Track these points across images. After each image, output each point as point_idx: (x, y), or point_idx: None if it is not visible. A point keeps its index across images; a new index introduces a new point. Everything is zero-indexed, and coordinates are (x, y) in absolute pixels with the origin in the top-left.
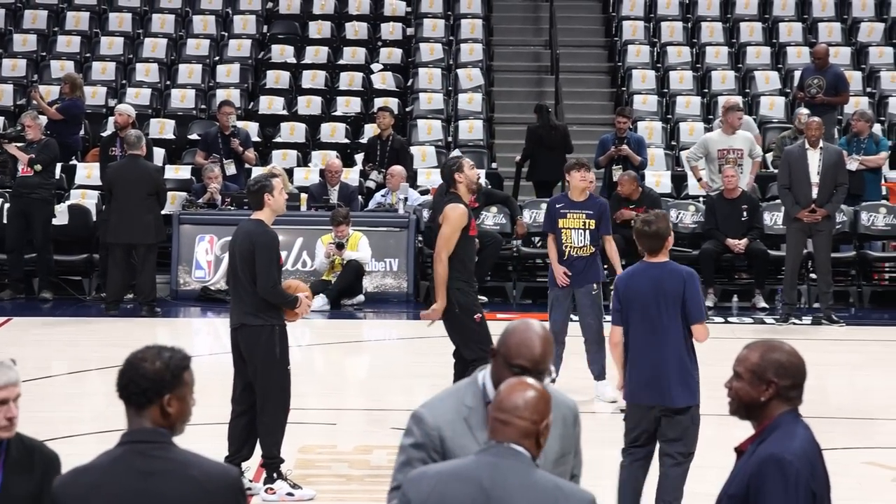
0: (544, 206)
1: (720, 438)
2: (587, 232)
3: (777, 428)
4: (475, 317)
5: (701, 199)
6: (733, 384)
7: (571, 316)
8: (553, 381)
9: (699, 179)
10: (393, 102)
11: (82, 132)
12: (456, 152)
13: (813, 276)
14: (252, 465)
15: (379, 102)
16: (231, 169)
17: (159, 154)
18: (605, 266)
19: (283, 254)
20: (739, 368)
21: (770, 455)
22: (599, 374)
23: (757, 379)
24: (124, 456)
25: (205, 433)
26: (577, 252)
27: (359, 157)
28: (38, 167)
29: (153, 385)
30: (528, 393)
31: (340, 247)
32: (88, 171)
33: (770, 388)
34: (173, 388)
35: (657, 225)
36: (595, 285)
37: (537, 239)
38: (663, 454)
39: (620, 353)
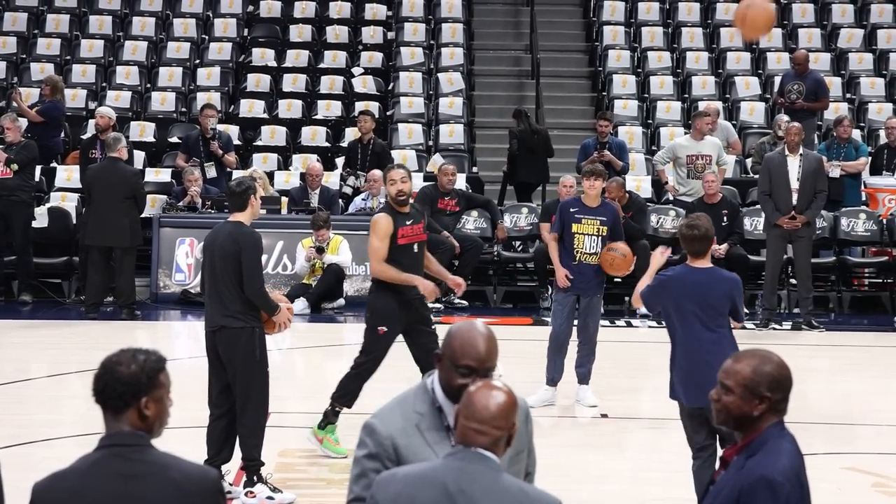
0: (524, 209)
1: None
2: (599, 238)
3: (766, 442)
4: (379, 328)
5: (677, 203)
6: (722, 397)
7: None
8: (500, 377)
9: (665, 183)
10: (374, 106)
11: (62, 135)
12: (436, 157)
13: (793, 281)
14: (232, 469)
15: (360, 106)
16: (212, 172)
17: (139, 157)
18: None
19: (264, 258)
20: (729, 382)
21: (761, 477)
22: (584, 378)
23: (749, 394)
24: (103, 459)
25: (184, 436)
26: (587, 258)
27: (339, 161)
28: (15, 166)
29: (129, 388)
30: (500, 399)
31: (321, 250)
32: (68, 174)
33: (763, 403)
34: (149, 390)
35: (704, 227)
36: (599, 296)
37: (517, 243)
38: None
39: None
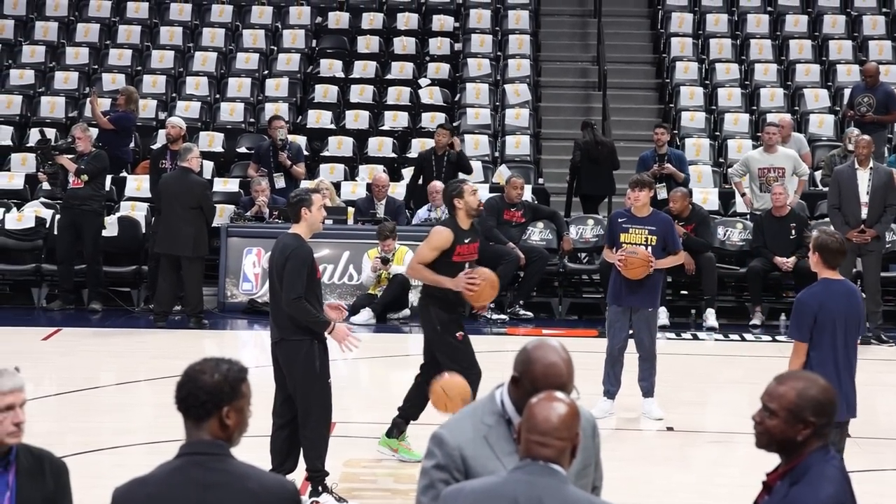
0: (591, 221)
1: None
2: (648, 248)
3: (809, 468)
4: (457, 334)
5: (748, 216)
6: (766, 421)
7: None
8: (578, 397)
9: (743, 195)
10: (440, 117)
11: (133, 145)
12: (502, 168)
13: (862, 295)
14: (297, 479)
15: (426, 117)
16: (280, 182)
17: (208, 167)
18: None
19: (329, 268)
20: (774, 405)
21: None
22: (648, 391)
23: (794, 418)
24: (183, 467)
25: (250, 445)
26: None
27: (406, 172)
28: (85, 177)
29: (212, 397)
30: (562, 410)
31: (386, 261)
32: (138, 184)
33: (808, 429)
34: (231, 400)
35: (842, 239)
36: (651, 310)
37: (583, 255)
38: None
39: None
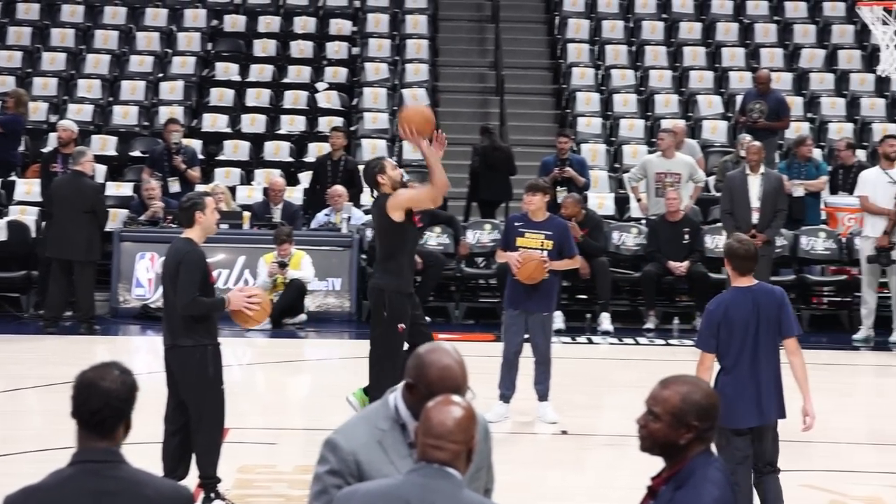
0: (488, 226)
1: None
2: (544, 253)
3: (693, 473)
4: (398, 326)
5: (643, 221)
6: (649, 424)
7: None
8: (473, 397)
9: (639, 200)
10: (338, 121)
11: (22, 148)
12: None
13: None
14: (188, 485)
15: (324, 121)
16: (175, 186)
17: (101, 171)
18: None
19: (225, 272)
20: (658, 409)
21: None
22: (543, 395)
23: (677, 422)
24: (77, 476)
25: (142, 452)
26: None
27: (303, 176)
28: None
29: (117, 405)
30: (458, 414)
31: (283, 266)
32: (28, 187)
33: (690, 433)
34: (131, 407)
35: (750, 245)
36: (546, 314)
37: (480, 259)
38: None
39: (709, 378)
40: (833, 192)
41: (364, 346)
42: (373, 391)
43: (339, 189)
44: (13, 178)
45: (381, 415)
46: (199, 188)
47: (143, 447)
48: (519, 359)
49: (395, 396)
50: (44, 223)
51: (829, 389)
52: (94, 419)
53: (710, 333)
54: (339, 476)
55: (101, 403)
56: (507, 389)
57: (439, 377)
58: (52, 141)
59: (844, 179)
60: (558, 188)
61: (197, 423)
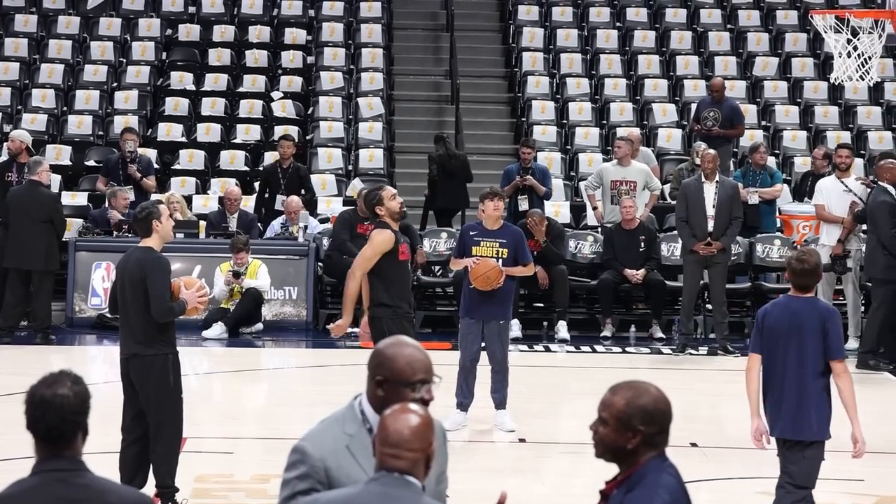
0: (444, 234)
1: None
2: (499, 261)
3: (644, 476)
4: None
5: (599, 229)
6: (598, 429)
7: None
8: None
9: (594, 209)
10: (293, 130)
11: None
12: (356, 181)
13: (709, 306)
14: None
15: (279, 130)
16: (130, 196)
17: (56, 180)
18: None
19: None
20: (605, 414)
21: None
22: (500, 403)
23: (623, 426)
24: (43, 484)
25: (100, 461)
26: None
27: (257, 185)
28: None
29: (72, 418)
30: (414, 422)
31: (237, 275)
32: None
33: (637, 437)
34: (86, 416)
35: (813, 261)
36: (503, 322)
37: (437, 268)
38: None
39: (754, 380)
40: (800, 199)
41: (320, 355)
42: None
43: (294, 200)
44: None
45: (347, 419)
46: (154, 197)
47: (101, 457)
48: (476, 367)
49: (359, 401)
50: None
51: None
52: (52, 434)
53: (755, 335)
54: (308, 480)
55: (57, 419)
56: (464, 398)
57: (407, 363)
58: (6, 151)
59: (812, 187)
60: (519, 196)
61: (156, 432)
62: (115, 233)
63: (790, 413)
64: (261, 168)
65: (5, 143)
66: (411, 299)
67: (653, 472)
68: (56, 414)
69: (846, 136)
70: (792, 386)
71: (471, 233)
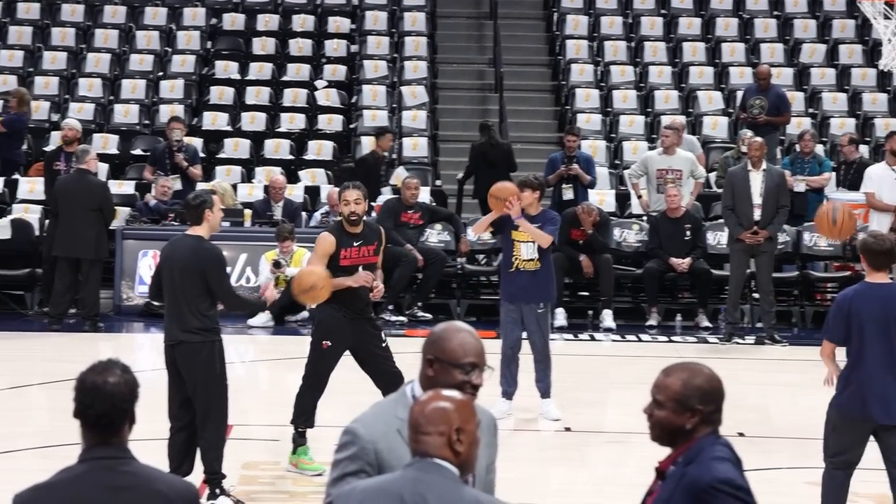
0: None
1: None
2: (536, 246)
3: (701, 450)
4: (322, 342)
5: (644, 217)
6: (654, 412)
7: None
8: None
9: (639, 197)
10: (337, 119)
11: (25, 147)
12: (400, 170)
13: (756, 295)
14: (194, 481)
15: (323, 119)
16: (177, 184)
17: (103, 169)
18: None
19: (227, 270)
20: (661, 396)
21: (714, 480)
22: (545, 392)
23: (681, 407)
24: (91, 472)
25: (147, 449)
26: (524, 265)
27: (303, 174)
28: None
29: (122, 406)
30: (438, 404)
31: (278, 265)
32: (31, 186)
33: (696, 416)
34: (134, 405)
35: (890, 240)
36: (542, 304)
37: (481, 256)
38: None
39: (831, 362)
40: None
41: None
42: None
43: (335, 191)
44: (16, 176)
45: (399, 403)
46: (200, 186)
47: (147, 444)
48: (518, 354)
49: (412, 387)
50: (48, 221)
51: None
52: (102, 422)
53: (834, 323)
54: (358, 463)
55: (108, 406)
56: (508, 386)
57: (459, 345)
58: (54, 140)
59: (846, 175)
60: (564, 185)
61: (204, 419)
62: (162, 221)
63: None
64: (305, 157)
65: (54, 132)
66: (358, 304)
67: (709, 447)
68: (107, 401)
69: (895, 124)
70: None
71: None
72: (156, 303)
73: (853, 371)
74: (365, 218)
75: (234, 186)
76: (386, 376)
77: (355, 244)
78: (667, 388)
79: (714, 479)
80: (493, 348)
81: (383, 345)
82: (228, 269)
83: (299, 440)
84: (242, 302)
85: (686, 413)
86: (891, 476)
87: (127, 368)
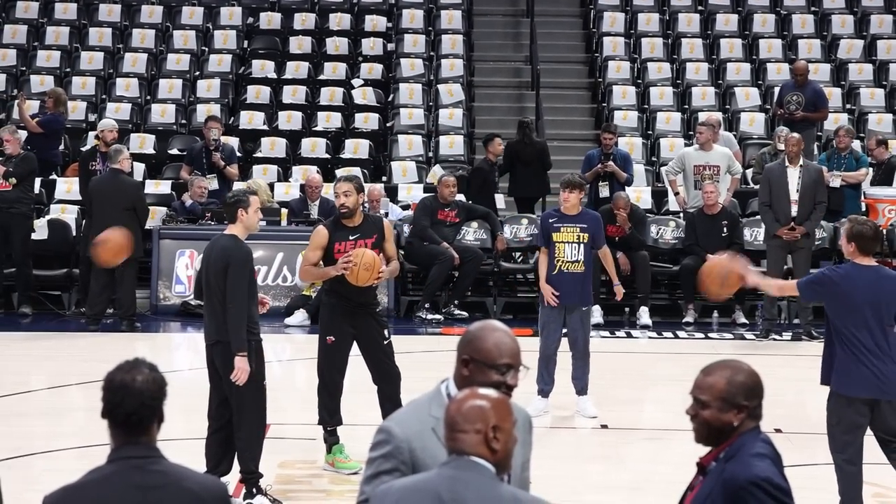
0: (525, 220)
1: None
2: (581, 246)
3: (743, 446)
4: (326, 338)
5: (681, 214)
6: (699, 412)
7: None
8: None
9: (676, 194)
10: (373, 118)
11: (62, 147)
12: (436, 168)
13: None
14: (231, 480)
15: (360, 118)
16: (214, 184)
17: (139, 169)
18: (605, 277)
19: (264, 269)
20: (704, 396)
21: (753, 477)
22: (582, 389)
23: (727, 405)
24: (121, 472)
25: (184, 448)
26: (568, 267)
27: (339, 172)
28: (13, 180)
29: (151, 404)
30: (473, 402)
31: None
32: (68, 186)
33: (742, 412)
34: (163, 403)
35: (875, 227)
36: (585, 309)
37: (517, 254)
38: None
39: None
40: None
41: (402, 342)
42: None
43: (376, 189)
44: (54, 177)
45: (434, 403)
46: (237, 185)
47: (184, 443)
48: (557, 353)
49: (446, 385)
50: (84, 221)
51: None
52: (131, 420)
53: (814, 289)
54: (393, 461)
55: (137, 405)
56: (545, 385)
57: (495, 345)
58: (91, 140)
59: (875, 175)
60: (601, 183)
61: (239, 418)
62: (198, 221)
63: (891, 374)
64: (341, 156)
65: (91, 132)
66: (358, 297)
67: (750, 442)
68: (136, 399)
69: None
70: (886, 349)
71: (550, 220)
72: (192, 302)
73: (851, 353)
74: (370, 211)
75: (271, 185)
76: (382, 372)
77: (351, 237)
78: (711, 388)
79: (752, 476)
80: (529, 346)
81: (385, 342)
82: (265, 268)
83: (330, 439)
84: (239, 323)
85: (732, 410)
86: (891, 460)
87: (154, 367)
